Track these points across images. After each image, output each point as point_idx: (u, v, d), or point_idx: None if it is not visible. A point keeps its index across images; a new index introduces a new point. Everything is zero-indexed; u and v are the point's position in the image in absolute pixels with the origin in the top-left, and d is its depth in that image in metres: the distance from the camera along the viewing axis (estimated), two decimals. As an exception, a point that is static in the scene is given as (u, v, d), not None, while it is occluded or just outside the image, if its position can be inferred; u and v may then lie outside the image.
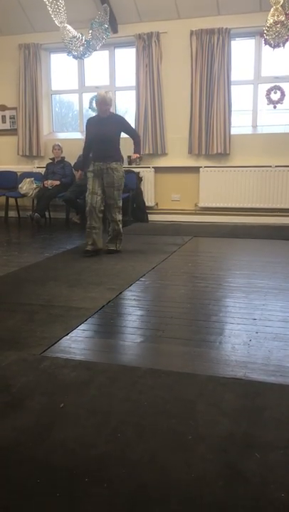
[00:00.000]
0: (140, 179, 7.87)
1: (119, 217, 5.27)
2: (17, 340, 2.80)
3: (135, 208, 7.80)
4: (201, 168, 7.72)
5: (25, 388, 2.20)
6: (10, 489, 1.55)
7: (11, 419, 1.95)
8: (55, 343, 2.76)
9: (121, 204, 5.28)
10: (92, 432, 1.85)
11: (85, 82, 8.41)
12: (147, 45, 7.63)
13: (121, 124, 5.32)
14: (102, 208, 5.16)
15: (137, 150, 5.42)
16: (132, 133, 5.45)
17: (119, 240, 5.32)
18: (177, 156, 7.86)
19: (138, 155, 5.60)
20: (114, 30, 7.61)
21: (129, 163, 6.10)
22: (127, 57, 8.10)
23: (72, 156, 7.82)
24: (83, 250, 5.18)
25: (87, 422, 1.92)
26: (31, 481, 1.58)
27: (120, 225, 5.29)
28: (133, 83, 7.91)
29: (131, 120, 7.95)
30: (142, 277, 4.24)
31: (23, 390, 2.19)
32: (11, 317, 3.19)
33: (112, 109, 5.46)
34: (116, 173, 5.12)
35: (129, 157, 5.84)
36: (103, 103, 5.15)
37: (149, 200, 7.95)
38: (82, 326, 3.04)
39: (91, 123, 5.30)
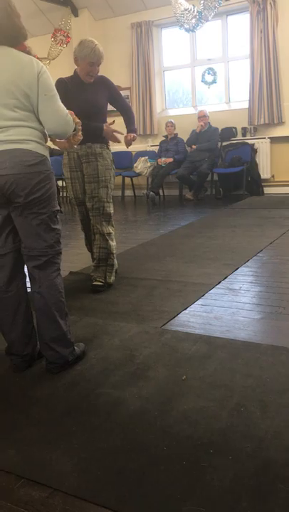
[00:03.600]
0: (255, 151, 7.60)
1: (109, 229, 3.41)
2: (138, 313, 2.90)
3: (250, 181, 7.57)
4: None
5: (148, 359, 2.29)
6: (139, 454, 1.63)
7: (136, 388, 2.04)
8: (175, 316, 2.82)
9: (111, 210, 3.42)
10: (215, 406, 1.87)
11: (196, 55, 8.26)
12: (262, 9, 7.24)
13: (110, 89, 3.44)
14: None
15: (132, 128, 3.58)
16: (124, 104, 3.59)
17: (110, 266, 3.44)
18: (295, 125, 7.44)
19: (135, 135, 3.61)
20: (227, -3, 7.33)
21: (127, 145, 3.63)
22: (239, 25, 7.78)
23: (185, 133, 7.80)
24: (91, 285, 3.40)
25: (209, 395, 1.94)
26: (159, 448, 1.65)
27: (111, 242, 3.41)
28: (246, 52, 7.59)
29: (245, 90, 7.69)
30: (259, 253, 4.13)
31: (146, 360, 2.28)
32: (132, 291, 3.31)
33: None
34: (101, 160, 3.32)
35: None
36: (98, 59, 3.24)
37: (264, 172, 7.67)
38: (199, 301, 3.06)
39: (68, 87, 3.25)
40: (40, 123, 2.10)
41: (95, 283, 3.38)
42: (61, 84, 3.19)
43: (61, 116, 2.12)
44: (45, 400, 2.00)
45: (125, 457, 1.61)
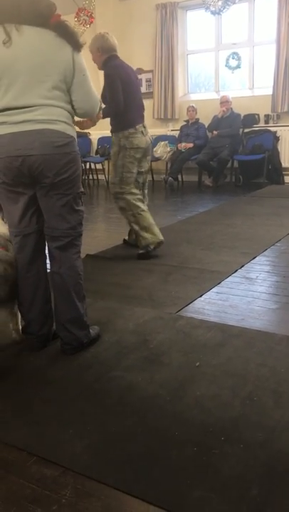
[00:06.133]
0: (277, 139, 7.47)
1: (120, 204, 3.81)
2: (153, 298, 2.90)
3: (271, 169, 7.46)
4: None
5: (162, 345, 2.29)
6: (151, 438, 1.63)
7: (149, 372, 2.04)
8: (190, 303, 2.81)
9: (118, 189, 3.76)
10: (227, 394, 1.86)
11: (222, 39, 8.10)
12: (291, -8, 7.05)
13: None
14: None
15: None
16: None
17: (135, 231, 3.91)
18: None
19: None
20: (255, -21, 7.15)
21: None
22: (267, 9, 7.58)
23: (206, 118, 7.69)
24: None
25: (222, 383, 1.94)
26: (170, 432, 1.65)
27: (125, 215, 3.86)
28: (272, 37, 7.41)
29: (269, 76, 7.54)
30: (277, 242, 4.08)
31: (160, 346, 2.28)
32: (148, 276, 3.31)
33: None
34: (112, 147, 3.79)
35: None
36: (91, 47, 3.62)
37: (286, 160, 7.53)
38: (215, 289, 3.04)
39: None
40: (69, 103, 2.09)
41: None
42: None
43: (94, 95, 2.15)
44: (59, 381, 2.02)
45: (136, 440, 1.62)
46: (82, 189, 2.19)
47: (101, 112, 2.43)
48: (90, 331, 2.30)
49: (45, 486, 1.45)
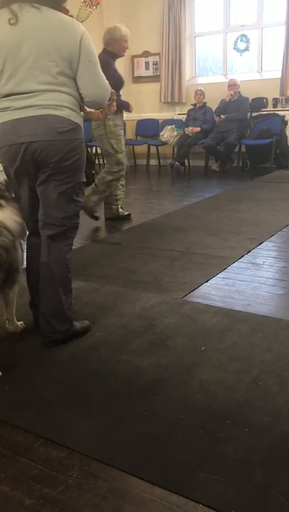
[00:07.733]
0: (285, 123, 7.38)
1: None
2: (159, 283, 2.90)
3: (278, 154, 7.39)
4: None
5: (167, 329, 2.30)
6: (156, 420, 1.65)
7: (155, 356, 2.05)
8: (196, 288, 2.81)
9: None
10: (233, 378, 1.87)
11: (230, 21, 7.96)
12: (301, -28, 6.90)
13: None
14: None
15: None
16: None
17: None
18: None
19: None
20: None
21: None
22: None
23: (214, 102, 7.61)
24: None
25: (228, 368, 1.94)
26: (176, 416, 1.66)
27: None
28: (282, 18, 7.27)
29: (278, 59, 7.44)
30: (284, 228, 4.06)
31: (165, 330, 2.29)
32: (154, 262, 3.31)
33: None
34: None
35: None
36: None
37: (294, 145, 7.45)
38: (221, 274, 3.04)
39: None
40: (77, 89, 2.04)
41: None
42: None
43: (102, 82, 2.08)
44: (66, 364, 2.03)
45: (142, 423, 1.64)
46: (84, 179, 2.15)
47: (114, 103, 2.35)
48: (76, 324, 2.22)
49: (52, 467, 1.47)
